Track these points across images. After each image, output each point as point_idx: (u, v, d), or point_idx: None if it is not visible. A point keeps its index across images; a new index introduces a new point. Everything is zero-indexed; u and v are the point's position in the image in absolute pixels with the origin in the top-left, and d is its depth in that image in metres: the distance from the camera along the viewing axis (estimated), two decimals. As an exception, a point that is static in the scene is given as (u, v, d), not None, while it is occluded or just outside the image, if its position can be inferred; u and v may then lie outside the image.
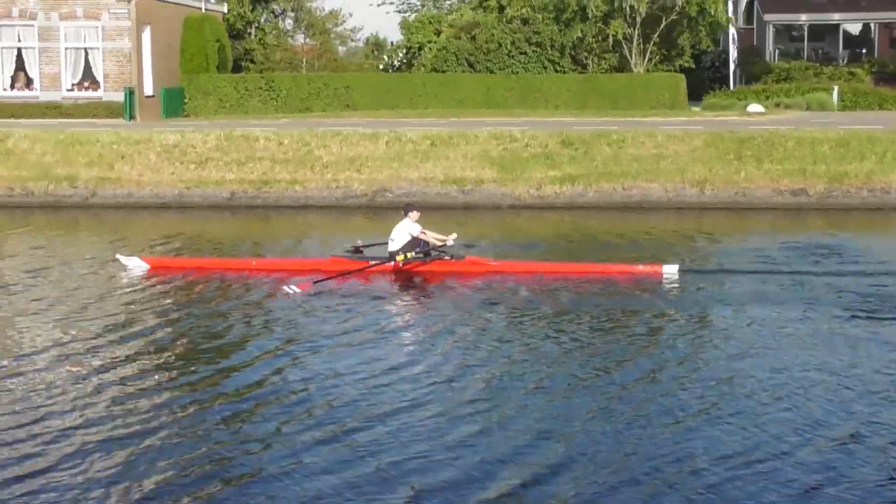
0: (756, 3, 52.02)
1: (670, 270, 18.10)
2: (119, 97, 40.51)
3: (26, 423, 10.78)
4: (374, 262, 18.31)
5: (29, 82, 41.26)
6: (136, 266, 19.08)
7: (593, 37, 43.35)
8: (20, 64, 41.22)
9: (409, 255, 18.19)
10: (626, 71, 43.82)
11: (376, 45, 65.18)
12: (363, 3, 75.00)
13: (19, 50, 41.13)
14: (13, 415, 11.11)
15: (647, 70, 43.61)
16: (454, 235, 18.80)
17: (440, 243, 18.59)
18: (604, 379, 12.40)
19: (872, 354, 13.33)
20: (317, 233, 25.74)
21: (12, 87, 41.23)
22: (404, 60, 58.32)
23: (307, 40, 60.68)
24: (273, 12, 59.85)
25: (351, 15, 61.47)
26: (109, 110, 40.17)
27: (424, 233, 18.59)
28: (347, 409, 11.21)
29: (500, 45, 44.18)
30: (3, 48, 41.03)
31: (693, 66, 44.62)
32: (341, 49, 62.67)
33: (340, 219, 27.78)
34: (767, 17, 51.65)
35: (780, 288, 17.44)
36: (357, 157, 30.10)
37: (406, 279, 18.29)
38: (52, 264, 20.41)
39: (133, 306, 16.39)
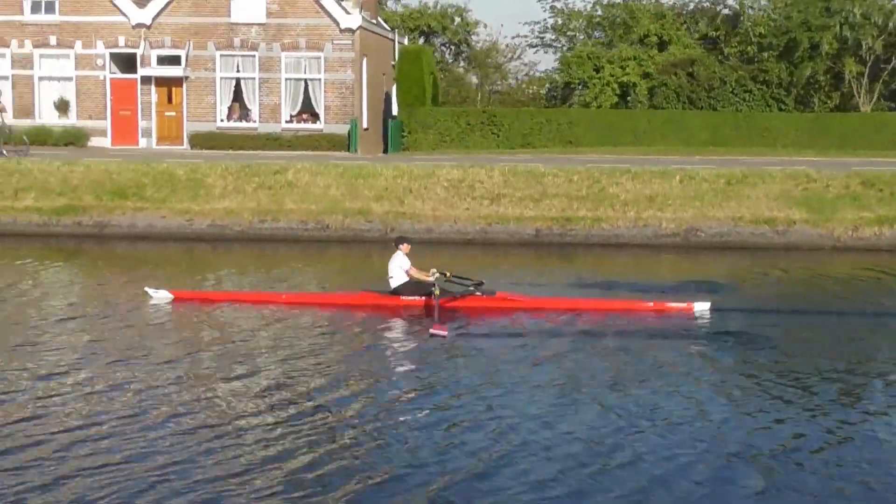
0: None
1: (702, 308, 18.37)
2: (339, 129, 40.87)
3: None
4: (412, 299, 18.68)
5: (245, 113, 41.66)
6: (162, 298, 19.38)
7: (823, 75, 43.37)
8: (238, 95, 41.63)
9: (436, 292, 18.19)
10: (849, 110, 43.77)
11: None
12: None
13: (238, 80, 41.55)
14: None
15: (873, 109, 43.59)
16: (433, 270, 18.89)
17: (426, 279, 18.64)
18: (617, 413, 12.65)
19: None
20: (624, 270, 25.70)
21: (229, 117, 41.63)
22: (559, 95, 58.77)
23: (472, 73, 61.06)
24: (435, 45, 60.30)
25: (525, 49, 61.33)
26: (332, 143, 40.48)
27: (411, 270, 18.80)
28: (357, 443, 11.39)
29: (723, 82, 44.25)
30: (222, 78, 41.45)
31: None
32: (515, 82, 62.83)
33: (648, 258, 27.79)
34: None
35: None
36: (655, 196, 30.11)
37: (439, 314, 18.22)
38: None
39: (158, 337, 16.86)
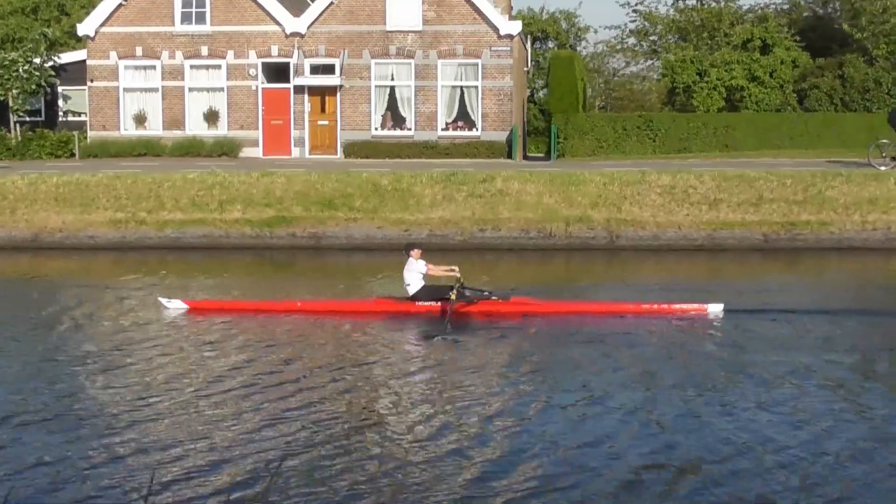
0: None
1: (715, 310, 18.69)
2: (497, 137, 41.08)
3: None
4: (428, 304, 18.96)
5: (400, 121, 41.84)
6: (176, 308, 19.56)
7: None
8: (392, 103, 41.82)
9: (452, 296, 18.48)
10: None
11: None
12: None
13: (392, 88, 41.75)
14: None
15: None
16: (456, 267, 19.27)
17: (450, 273, 19.03)
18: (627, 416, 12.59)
19: None
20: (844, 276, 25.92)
21: (383, 126, 41.84)
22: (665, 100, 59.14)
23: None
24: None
25: (643, 55, 61.56)
26: (490, 150, 40.65)
27: (430, 267, 19.04)
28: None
29: (878, 83, 44.42)
30: (376, 87, 41.66)
31: None
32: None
33: (878, 261, 27.96)
34: None
35: None
36: (874, 198, 30.24)
37: (453, 319, 18.43)
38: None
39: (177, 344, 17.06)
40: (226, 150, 41.33)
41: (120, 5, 41.60)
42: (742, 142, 42.18)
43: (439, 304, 18.78)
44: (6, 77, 41.80)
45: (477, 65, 41.19)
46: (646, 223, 29.87)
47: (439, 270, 19.10)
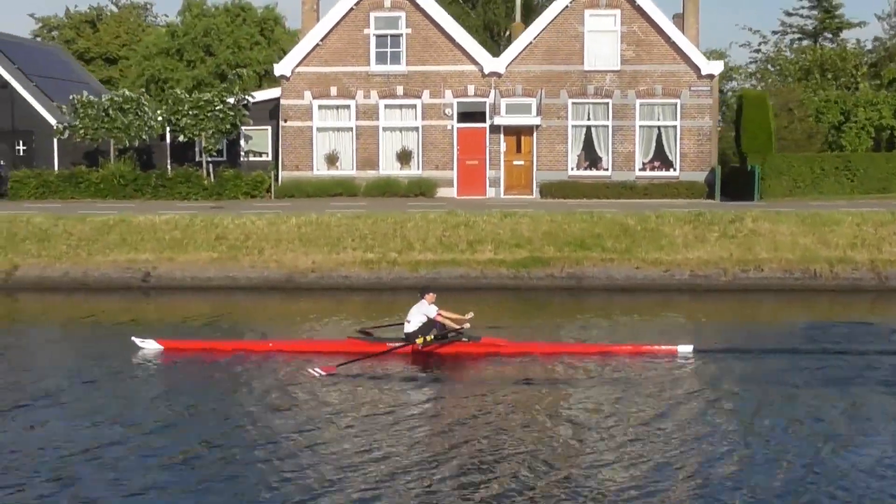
0: None
1: (685, 350, 19.18)
2: (696, 177, 41.11)
3: None
4: (394, 346, 19.36)
5: (596, 161, 41.92)
6: (150, 348, 19.94)
7: None
8: (588, 142, 41.93)
9: (427, 338, 19.09)
10: None
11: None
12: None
13: (588, 128, 41.88)
14: None
15: None
16: (471, 314, 19.66)
17: (458, 325, 19.37)
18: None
19: None
20: None
21: (578, 166, 41.95)
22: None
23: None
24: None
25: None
26: (690, 190, 40.67)
27: (441, 314, 19.40)
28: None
29: None
30: (573, 126, 41.80)
31: None
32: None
33: None
34: None
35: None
36: None
37: (425, 361, 18.94)
38: None
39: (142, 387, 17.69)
40: (423, 189, 41.53)
41: (317, 46, 42.00)
42: (942, 181, 41.97)
43: (409, 345, 19.31)
44: (201, 117, 42.22)
45: (675, 105, 41.30)
46: (911, 265, 29.70)
47: (450, 317, 19.49)
